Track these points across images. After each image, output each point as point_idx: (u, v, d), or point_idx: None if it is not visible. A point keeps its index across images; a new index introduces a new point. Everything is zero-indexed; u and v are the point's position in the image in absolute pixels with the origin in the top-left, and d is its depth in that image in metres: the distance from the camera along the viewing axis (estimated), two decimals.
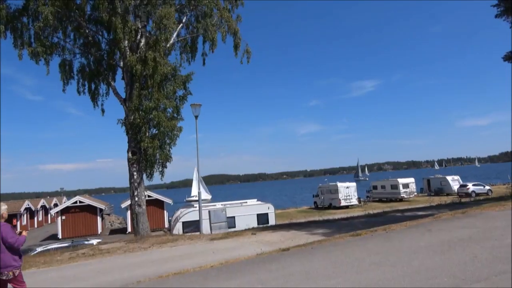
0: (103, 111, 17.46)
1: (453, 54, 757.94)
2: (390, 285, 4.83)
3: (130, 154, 15.71)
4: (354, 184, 42.53)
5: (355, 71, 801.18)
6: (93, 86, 16.95)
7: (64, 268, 9.45)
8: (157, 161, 15.49)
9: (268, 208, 26.11)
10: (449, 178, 46.02)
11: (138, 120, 14.83)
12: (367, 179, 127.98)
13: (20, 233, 5.31)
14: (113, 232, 35.54)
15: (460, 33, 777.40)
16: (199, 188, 18.44)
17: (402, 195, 42.73)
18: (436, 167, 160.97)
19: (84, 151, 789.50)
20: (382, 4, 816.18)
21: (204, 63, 18.48)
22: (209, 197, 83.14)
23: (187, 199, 78.96)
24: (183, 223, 23.18)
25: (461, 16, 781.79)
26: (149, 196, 30.38)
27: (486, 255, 5.72)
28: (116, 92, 16.50)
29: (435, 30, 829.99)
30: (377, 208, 33.16)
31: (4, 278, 5.07)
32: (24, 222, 40.70)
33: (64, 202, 40.57)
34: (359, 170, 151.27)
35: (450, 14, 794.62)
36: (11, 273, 5.12)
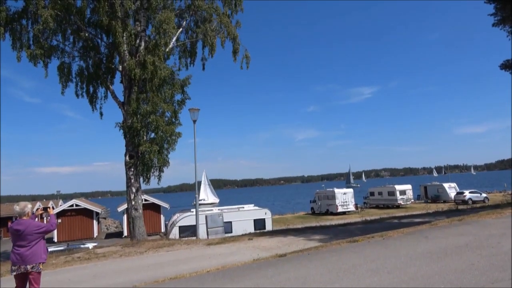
0: (101, 114, 17.46)
1: (450, 61, 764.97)
2: None
3: (127, 158, 15.68)
4: (351, 190, 42.54)
5: (353, 77, 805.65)
6: (91, 89, 16.93)
7: (59, 271, 9.38)
8: (155, 165, 15.46)
9: (265, 214, 26.06)
10: (446, 185, 46.12)
11: (136, 124, 14.82)
12: (358, 185, 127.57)
13: (41, 215, 5.72)
14: (109, 236, 35.34)
15: (457, 41, 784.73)
16: (196, 193, 18.37)
17: (399, 202, 42.76)
18: (435, 174, 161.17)
19: (81, 154, 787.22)
20: (381, 11, 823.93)
21: (203, 68, 18.59)
22: (217, 200, 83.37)
23: (194, 202, 78.75)
24: (180, 227, 23.07)
25: (458, 24, 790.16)
26: (145, 200, 30.28)
27: (483, 263, 5.72)
28: (114, 95, 16.51)
29: (433, 38, 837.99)
30: (374, 214, 33.17)
31: (34, 270, 5.28)
32: None
33: (60, 205, 40.37)
34: (351, 177, 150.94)
35: (447, 22, 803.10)
36: (40, 265, 5.38)
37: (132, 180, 15.67)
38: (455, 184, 46.76)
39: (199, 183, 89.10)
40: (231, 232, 21.31)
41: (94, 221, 34.01)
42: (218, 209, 26.62)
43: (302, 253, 8.07)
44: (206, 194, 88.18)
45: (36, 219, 5.76)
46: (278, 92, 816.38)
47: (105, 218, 46.16)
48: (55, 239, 31.16)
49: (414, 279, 5.23)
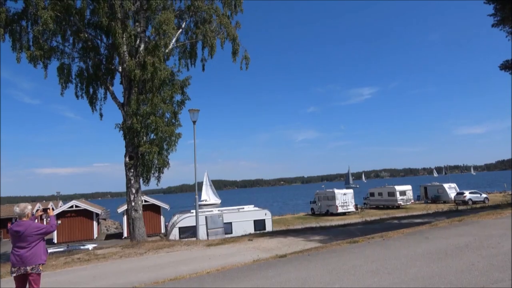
0: (101, 115, 17.45)
1: (450, 62, 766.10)
2: None
3: (127, 159, 15.67)
4: (351, 190, 42.55)
5: (352, 78, 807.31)
6: (91, 90, 16.92)
7: (58, 273, 9.37)
8: (155, 166, 15.45)
9: (265, 214, 26.05)
10: (446, 185, 46.12)
11: (136, 125, 14.82)
12: (357, 186, 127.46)
13: (41, 217, 5.71)
14: (109, 237, 35.33)
15: (457, 42, 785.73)
16: (196, 194, 18.35)
17: (399, 202, 42.76)
18: (435, 174, 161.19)
19: (81, 155, 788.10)
20: (380, 11, 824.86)
21: (203, 69, 18.56)
22: (218, 201, 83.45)
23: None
24: (180, 228, 23.06)
25: (458, 25, 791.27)
26: (145, 201, 30.28)
27: (483, 263, 5.72)
28: (114, 96, 16.50)
29: (432, 38, 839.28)
30: (374, 215, 33.14)
31: (34, 271, 5.26)
32: None
33: (60, 206, 40.33)
34: (350, 177, 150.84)
35: (447, 23, 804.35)
36: (40, 267, 5.34)
37: (132, 181, 15.67)
38: (455, 185, 46.76)
39: (201, 183, 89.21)
40: (231, 233, 21.30)
41: (94, 222, 34.00)
42: (218, 210, 26.61)
43: (302, 254, 8.06)
44: (208, 195, 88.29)
45: (36, 220, 5.75)
46: (277, 93, 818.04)
47: (105, 219, 46.16)
48: (55, 240, 31.14)
49: (414, 279, 5.23)
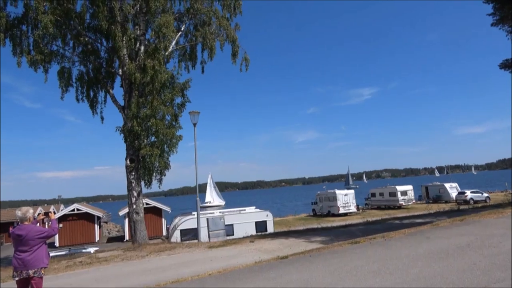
0: (102, 118, 17.48)
1: (449, 61, 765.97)
2: None
3: (128, 162, 15.69)
4: (352, 191, 42.47)
5: (352, 78, 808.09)
6: (91, 93, 16.97)
7: (60, 276, 9.38)
8: (156, 169, 15.46)
9: (266, 216, 26.04)
10: (447, 185, 46.02)
11: (137, 127, 14.83)
12: (357, 186, 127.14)
13: (43, 221, 5.79)
14: (111, 240, 35.30)
15: (456, 41, 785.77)
16: (197, 196, 18.33)
17: (400, 203, 42.67)
18: (437, 174, 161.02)
19: (82, 158, 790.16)
20: (379, 12, 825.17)
21: (203, 71, 18.60)
22: (222, 203, 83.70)
23: (201, 205, 79.11)
24: (181, 231, 23.07)
25: (457, 24, 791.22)
26: (147, 203, 30.26)
27: (484, 263, 5.72)
28: (114, 99, 16.54)
29: (432, 38, 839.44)
30: (375, 215, 33.06)
31: (36, 275, 5.28)
32: None
33: (62, 210, 40.34)
34: (349, 178, 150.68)
35: (446, 22, 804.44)
36: (42, 270, 5.37)
37: (133, 184, 15.68)
38: (456, 184, 46.64)
39: (205, 185, 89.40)
40: (233, 234, 21.28)
41: (96, 225, 33.99)
42: (220, 212, 26.61)
43: (303, 255, 8.06)
44: (212, 197, 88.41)
45: (38, 224, 5.77)
46: (277, 94, 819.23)
47: (106, 222, 46.12)
48: (57, 244, 31.12)
49: (416, 279, 5.23)
